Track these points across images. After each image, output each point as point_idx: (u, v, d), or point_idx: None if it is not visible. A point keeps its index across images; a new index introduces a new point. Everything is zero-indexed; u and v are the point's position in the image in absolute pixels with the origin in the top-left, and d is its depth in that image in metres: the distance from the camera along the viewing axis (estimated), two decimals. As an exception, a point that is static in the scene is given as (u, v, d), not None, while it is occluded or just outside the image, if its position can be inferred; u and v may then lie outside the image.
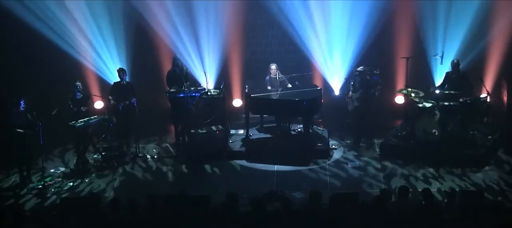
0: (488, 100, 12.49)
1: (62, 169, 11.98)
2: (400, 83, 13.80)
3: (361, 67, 12.74)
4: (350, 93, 12.78)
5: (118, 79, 12.52)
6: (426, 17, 13.76)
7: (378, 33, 13.90)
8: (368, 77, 12.67)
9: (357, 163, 11.87)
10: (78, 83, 12.09)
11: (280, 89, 12.91)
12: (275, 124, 13.32)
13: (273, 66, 13.08)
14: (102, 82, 13.87)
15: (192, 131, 12.52)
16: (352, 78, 13.17)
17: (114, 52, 14.01)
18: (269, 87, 13.07)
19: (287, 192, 9.80)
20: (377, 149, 12.30)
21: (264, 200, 8.24)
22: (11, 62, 13.43)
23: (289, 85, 13.11)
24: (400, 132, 12.55)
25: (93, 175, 11.66)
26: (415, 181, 10.91)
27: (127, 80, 12.69)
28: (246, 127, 12.93)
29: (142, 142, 12.86)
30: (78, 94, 12.01)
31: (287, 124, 13.14)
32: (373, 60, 13.45)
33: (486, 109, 12.41)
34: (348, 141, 12.89)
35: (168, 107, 12.89)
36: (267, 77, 13.16)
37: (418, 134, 11.90)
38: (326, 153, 12.20)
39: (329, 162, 11.93)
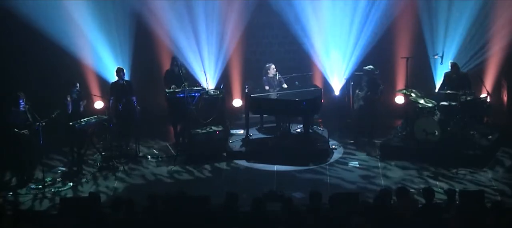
0: (488, 100, 12.49)
1: (62, 169, 11.98)
2: (400, 83, 13.81)
3: (370, 66, 12.70)
4: (357, 91, 12.77)
5: (116, 79, 12.50)
6: (426, 17, 13.76)
7: (379, 33, 13.90)
8: (375, 77, 12.62)
9: (357, 163, 11.86)
10: (76, 84, 12.03)
11: (277, 89, 12.91)
12: (275, 124, 13.33)
13: (273, 66, 13.08)
14: (102, 82, 13.85)
15: (194, 131, 12.50)
16: (352, 79, 13.17)
17: (114, 51, 14.00)
18: (267, 87, 13.06)
19: (287, 192, 9.79)
20: (377, 149, 12.29)
21: (264, 200, 8.24)
22: (11, 62, 13.41)
23: (285, 85, 13.11)
24: (400, 132, 12.56)
25: (93, 175, 11.66)
26: (415, 181, 10.90)
27: (126, 78, 12.67)
28: (246, 127, 12.93)
29: (142, 142, 12.85)
30: (75, 91, 11.92)
31: (287, 124, 13.14)
32: (373, 60, 13.44)
33: (486, 109, 12.41)
34: (348, 141, 12.89)
35: (167, 107, 12.88)
36: (264, 78, 13.13)
37: (418, 134, 11.89)
38: (326, 153, 12.20)
39: (329, 162, 11.93)
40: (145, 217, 7.98)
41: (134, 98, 12.41)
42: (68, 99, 11.74)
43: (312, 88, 13.08)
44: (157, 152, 12.72)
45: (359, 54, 13.99)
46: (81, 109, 11.96)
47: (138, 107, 12.42)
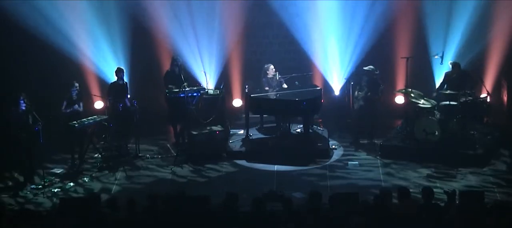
0: (488, 100, 12.49)
1: (62, 169, 11.97)
2: (400, 83, 13.81)
3: (370, 66, 12.69)
4: (356, 92, 12.77)
5: (115, 79, 12.48)
6: (427, 17, 13.76)
7: (379, 33, 13.90)
8: (375, 77, 12.61)
9: (357, 163, 11.86)
10: (76, 84, 12.03)
11: (276, 89, 12.92)
12: (275, 124, 13.33)
13: (272, 66, 13.09)
14: (102, 82, 13.85)
15: (194, 132, 12.50)
16: (352, 79, 13.17)
17: (114, 51, 13.99)
18: (267, 88, 13.05)
19: (287, 192, 9.79)
20: (378, 149, 12.28)
21: (264, 200, 8.24)
22: (11, 62, 13.39)
23: (285, 85, 13.12)
24: (400, 132, 12.55)
25: (93, 175, 11.65)
26: (415, 181, 10.90)
27: (125, 79, 12.67)
28: (246, 127, 12.93)
29: (142, 142, 12.85)
30: (74, 91, 11.90)
31: (287, 124, 13.14)
32: (373, 60, 13.44)
33: (486, 109, 12.41)
34: (348, 141, 12.89)
35: (166, 107, 12.88)
36: (264, 79, 13.12)
37: (418, 134, 11.89)
38: (326, 153, 12.20)
39: (329, 162, 11.93)
40: (145, 217, 7.98)
41: (135, 101, 12.39)
42: (68, 97, 11.76)
43: (312, 88, 13.09)
44: (157, 152, 12.72)
45: (359, 54, 13.99)
46: (80, 109, 11.94)
47: (136, 107, 12.39)
